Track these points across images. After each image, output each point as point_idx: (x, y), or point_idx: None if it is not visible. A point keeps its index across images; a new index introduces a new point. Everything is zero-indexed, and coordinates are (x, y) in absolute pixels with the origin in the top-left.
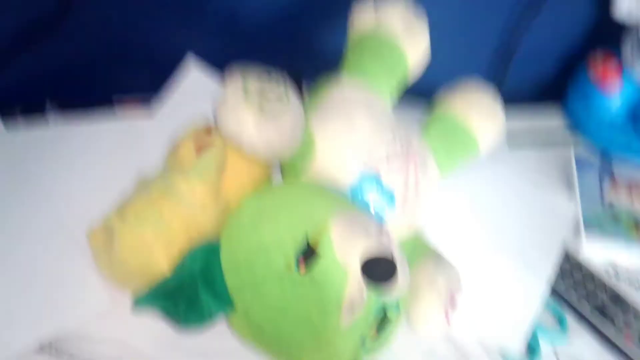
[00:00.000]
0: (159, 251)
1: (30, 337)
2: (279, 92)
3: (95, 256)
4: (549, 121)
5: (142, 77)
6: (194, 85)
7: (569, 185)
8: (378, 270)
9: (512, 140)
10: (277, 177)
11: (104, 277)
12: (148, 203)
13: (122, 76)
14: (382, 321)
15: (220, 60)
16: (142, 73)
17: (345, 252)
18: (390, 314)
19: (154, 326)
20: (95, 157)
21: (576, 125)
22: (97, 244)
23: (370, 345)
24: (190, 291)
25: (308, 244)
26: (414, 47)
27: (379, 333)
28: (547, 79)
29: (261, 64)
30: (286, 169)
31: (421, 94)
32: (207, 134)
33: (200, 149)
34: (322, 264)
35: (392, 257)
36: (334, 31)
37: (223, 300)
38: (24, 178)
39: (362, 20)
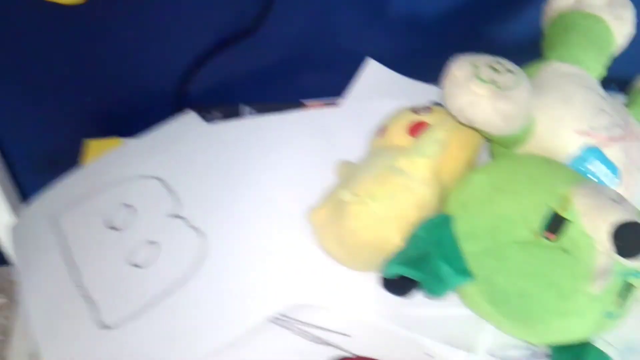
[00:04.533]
0: (392, 225)
1: (262, 310)
2: (509, 67)
3: (319, 235)
4: None
5: (328, 80)
6: (374, 79)
7: None
8: (630, 237)
9: None
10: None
11: (328, 253)
12: (376, 179)
13: (308, 80)
14: (626, 289)
15: (400, 60)
16: (328, 76)
17: (593, 221)
18: (634, 281)
19: (380, 296)
20: (289, 146)
21: None
22: (321, 222)
23: (615, 312)
24: (432, 261)
25: (553, 213)
26: (618, 19)
27: (622, 300)
28: None
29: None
30: (502, 143)
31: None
32: (414, 115)
33: (412, 129)
34: (569, 233)
35: None
36: (513, 22)
37: (461, 269)
38: (228, 164)
39: None
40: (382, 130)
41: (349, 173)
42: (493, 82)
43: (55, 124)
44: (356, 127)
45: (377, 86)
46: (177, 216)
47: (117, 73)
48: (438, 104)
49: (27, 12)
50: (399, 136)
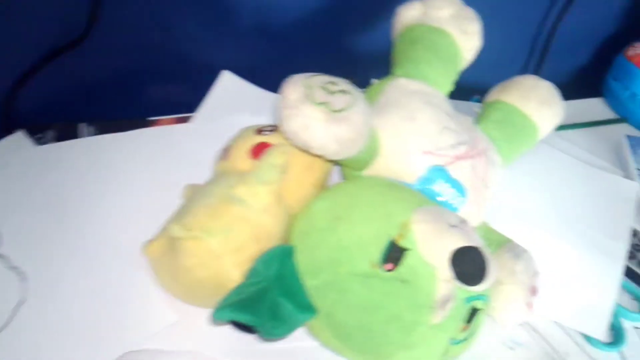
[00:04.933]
0: (228, 260)
1: (100, 357)
2: (343, 87)
3: (155, 270)
4: (590, 109)
5: (176, 95)
6: (229, 92)
7: (621, 164)
8: (468, 263)
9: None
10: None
11: (166, 290)
12: (210, 211)
13: (155, 95)
14: (471, 313)
15: (255, 70)
16: (177, 90)
17: (432, 248)
18: (479, 305)
19: (224, 334)
20: (131, 167)
21: (617, 108)
22: (156, 257)
23: (461, 338)
24: (270, 299)
25: (391, 243)
26: (464, 34)
27: (469, 325)
28: (584, 71)
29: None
30: (349, 165)
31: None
32: (258, 136)
33: (254, 152)
34: (408, 262)
35: (480, 249)
36: (370, 32)
37: (303, 305)
38: (59, 192)
39: (408, 12)
40: (225, 152)
41: (188, 198)
42: (326, 104)
43: None
44: (208, 145)
45: (232, 99)
46: None
47: None
48: None
49: None
50: (241, 159)
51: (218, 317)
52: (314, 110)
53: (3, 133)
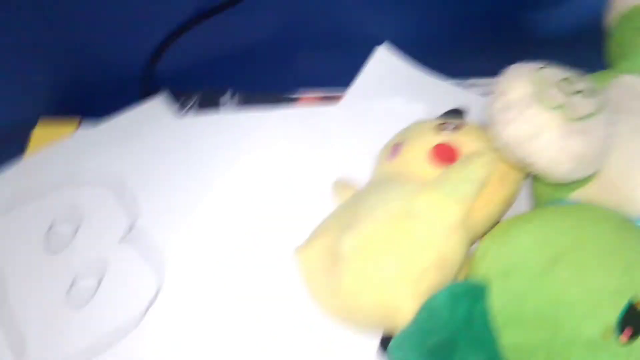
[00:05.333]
0: (404, 291)
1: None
2: (583, 86)
3: (306, 279)
4: None
5: (327, 68)
6: (385, 70)
7: None
8: None
9: None
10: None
11: (318, 304)
12: (385, 227)
13: (305, 65)
14: None
15: (418, 46)
16: (328, 62)
17: None
18: None
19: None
20: (275, 151)
21: None
22: (310, 267)
23: None
24: (460, 356)
25: (631, 306)
26: None
27: None
28: None
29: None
30: (552, 184)
31: None
32: (437, 135)
33: (437, 155)
34: None
35: None
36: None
37: None
38: (200, 163)
39: None
40: (395, 150)
41: (348, 201)
42: (564, 109)
43: (6, 98)
44: (358, 132)
45: (387, 79)
46: (129, 238)
47: (79, 43)
48: (457, 112)
49: None
50: (417, 162)
51: (396, 357)
52: (549, 116)
53: (143, 95)
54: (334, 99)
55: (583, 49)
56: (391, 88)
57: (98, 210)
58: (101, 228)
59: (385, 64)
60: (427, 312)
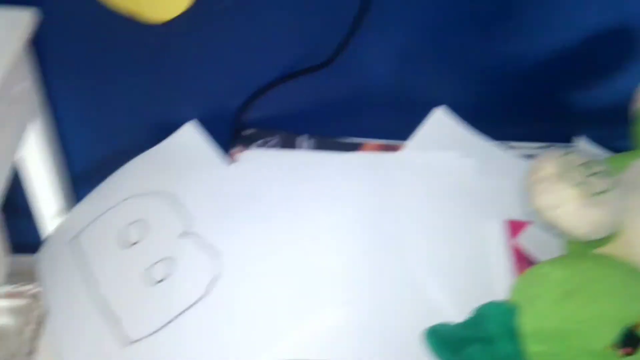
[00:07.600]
0: None
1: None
2: (600, 169)
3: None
4: None
5: (389, 121)
6: (440, 129)
7: None
8: None
9: None
10: None
11: None
12: None
13: (371, 118)
14: None
15: (470, 111)
16: (391, 117)
17: None
18: None
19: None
20: (340, 185)
21: None
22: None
23: None
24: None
25: (628, 329)
26: None
27: None
28: None
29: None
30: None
31: None
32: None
33: None
34: None
35: None
36: (591, 89)
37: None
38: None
39: None
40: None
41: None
42: (584, 186)
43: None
44: (417, 178)
45: (440, 137)
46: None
47: (184, 86)
48: None
49: (100, 21)
50: None
51: (427, 338)
52: (571, 191)
53: (236, 132)
54: (394, 148)
55: (617, 126)
56: (444, 144)
57: (158, 215)
58: (161, 228)
59: (440, 124)
60: (470, 318)
